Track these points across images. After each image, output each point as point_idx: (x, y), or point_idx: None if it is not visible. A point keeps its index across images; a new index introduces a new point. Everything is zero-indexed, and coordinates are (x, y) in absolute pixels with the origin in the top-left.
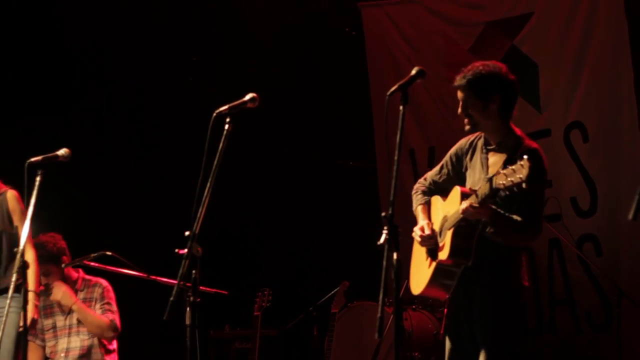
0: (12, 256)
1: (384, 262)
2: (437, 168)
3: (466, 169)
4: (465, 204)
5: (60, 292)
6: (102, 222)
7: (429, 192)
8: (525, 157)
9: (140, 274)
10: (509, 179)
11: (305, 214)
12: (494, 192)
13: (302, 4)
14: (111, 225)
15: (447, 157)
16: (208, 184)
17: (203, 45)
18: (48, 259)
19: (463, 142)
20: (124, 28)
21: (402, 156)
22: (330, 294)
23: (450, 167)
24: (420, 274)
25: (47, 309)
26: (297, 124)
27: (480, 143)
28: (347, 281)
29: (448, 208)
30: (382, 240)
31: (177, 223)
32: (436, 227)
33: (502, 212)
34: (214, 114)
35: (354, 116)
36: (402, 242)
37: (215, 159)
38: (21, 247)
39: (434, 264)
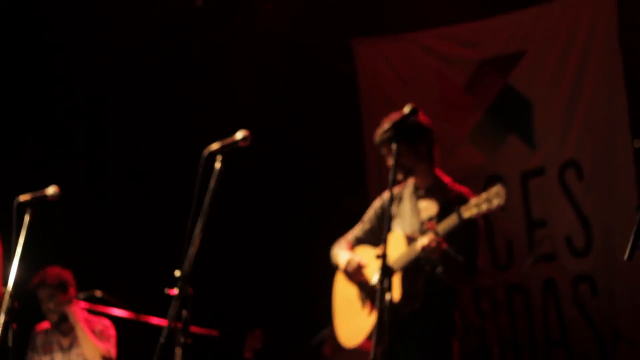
0: None
1: (377, 304)
2: (358, 226)
3: (393, 223)
4: (425, 240)
5: (74, 308)
6: (91, 261)
7: (351, 247)
8: (498, 184)
9: (130, 315)
10: (482, 206)
11: (298, 253)
12: (462, 223)
13: (293, 38)
14: (101, 264)
15: (370, 213)
16: (199, 223)
17: (193, 82)
18: (55, 287)
19: (384, 197)
20: (113, 69)
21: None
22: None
23: (375, 221)
24: (355, 323)
25: (46, 345)
26: (288, 163)
27: (408, 191)
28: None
29: (389, 252)
30: (374, 280)
31: (168, 261)
32: (370, 272)
33: (451, 252)
34: (206, 153)
35: (346, 155)
36: None
37: (206, 197)
38: (9, 287)
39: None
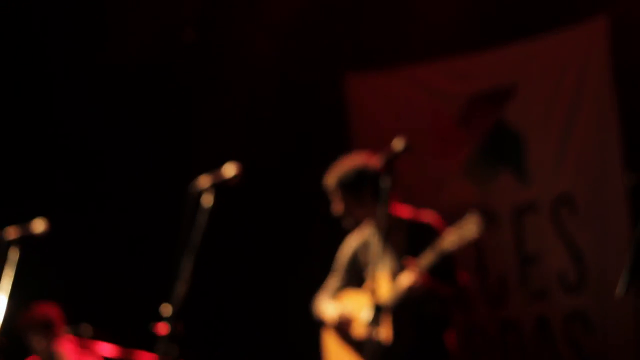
0: None
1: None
2: (333, 277)
3: (366, 266)
4: (408, 279)
5: (62, 346)
6: (80, 295)
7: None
8: (473, 214)
9: (119, 351)
10: (460, 239)
11: (286, 292)
12: (442, 256)
13: (282, 72)
14: (90, 299)
15: (342, 264)
16: (188, 260)
17: (183, 115)
18: (42, 327)
19: (350, 245)
20: (102, 101)
21: None
22: None
23: (351, 271)
24: None
25: None
26: (280, 201)
27: (368, 234)
28: None
29: (374, 295)
30: (365, 320)
31: (158, 297)
32: (359, 325)
33: (436, 282)
34: (195, 190)
35: None
36: None
37: (195, 234)
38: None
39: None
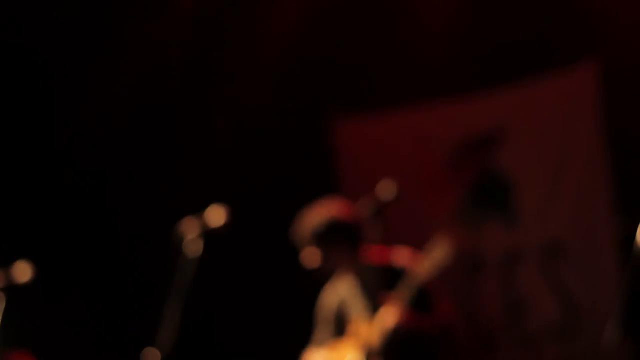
0: None
1: None
2: (319, 330)
3: (349, 316)
4: (392, 317)
5: None
6: (65, 340)
7: None
8: (440, 241)
9: None
10: (433, 267)
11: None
12: (419, 289)
13: (270, 113)
14: (75, 342)
15: (326, 316)
16: (176, 306)
17: (170, 158)
18: None
19: (330, 297)
20: (87, 144)
21: None
22: None
23: (336, 322)
24: None
25: None
26: (269, 243)
27: (344, 284)
28: None
29: (360, 340)
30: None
31: (144, 343)
32: None
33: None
34: (180, 235)
35: None
36: None
37: (180, 280)
38: None
39: None
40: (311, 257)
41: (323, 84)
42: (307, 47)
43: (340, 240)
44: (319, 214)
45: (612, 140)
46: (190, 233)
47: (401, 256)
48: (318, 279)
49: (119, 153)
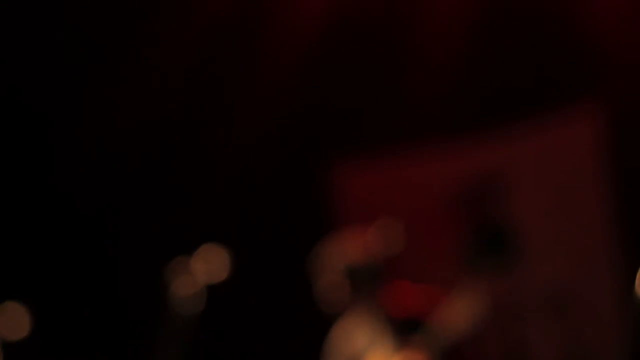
0: None
1: None
2: None
3: None
4: None
5: None
6: None
7: None
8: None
9: None
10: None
11: None
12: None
13: (268, 157)
14: None
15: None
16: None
17: (159, 202)
18: None
19: (345, 344)
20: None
21: None
22: None
23: None
24: None
25: None
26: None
27: (361, 332)
28: None
29: None
30: None
31: None
32: None
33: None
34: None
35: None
36: None
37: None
38: None
39: None
40: (337, 287)
41: (321, 128)
42: (305, 91)
43: (373, 281)
44: (354, 247)
45: (617, 181)
46: (196, 288)
47: (426, 305)
48: (329, 313)
49: (114, 198)
